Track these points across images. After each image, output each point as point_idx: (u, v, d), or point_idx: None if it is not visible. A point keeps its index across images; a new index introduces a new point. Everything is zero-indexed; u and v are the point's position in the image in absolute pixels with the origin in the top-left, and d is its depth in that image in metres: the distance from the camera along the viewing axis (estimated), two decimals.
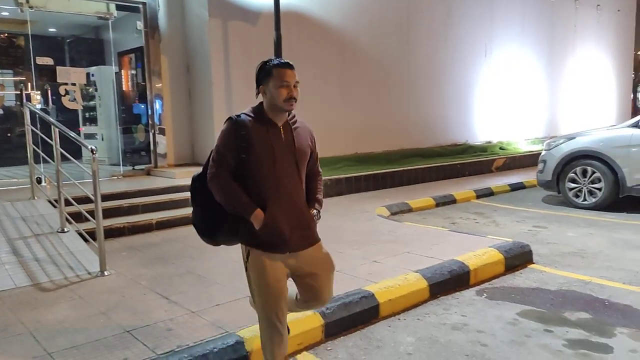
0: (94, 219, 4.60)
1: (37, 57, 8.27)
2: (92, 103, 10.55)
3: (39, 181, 6.81)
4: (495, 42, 13.34)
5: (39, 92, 8.72)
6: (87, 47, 11.65)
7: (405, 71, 11.38)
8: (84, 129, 10.49)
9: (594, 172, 7.37)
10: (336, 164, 9.37)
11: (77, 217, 5.36)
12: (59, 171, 5.38)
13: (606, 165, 7.23)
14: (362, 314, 3.60)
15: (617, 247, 5.48)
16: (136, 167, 9.06)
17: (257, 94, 2.43)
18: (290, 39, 8.81)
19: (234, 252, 5.14)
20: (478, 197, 8.77)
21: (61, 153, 5.35)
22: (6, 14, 9.48)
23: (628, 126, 7.30)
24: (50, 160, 5.74)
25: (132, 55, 9.38)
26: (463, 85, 12.66)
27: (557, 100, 15.57)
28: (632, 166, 7.01)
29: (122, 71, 9.80)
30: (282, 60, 2.39)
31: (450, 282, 4.25)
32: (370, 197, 8.44)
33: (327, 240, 2.64)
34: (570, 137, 7.93)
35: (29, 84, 8.53)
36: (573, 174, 7.59)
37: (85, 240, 5.16)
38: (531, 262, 4.97)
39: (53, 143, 5.36)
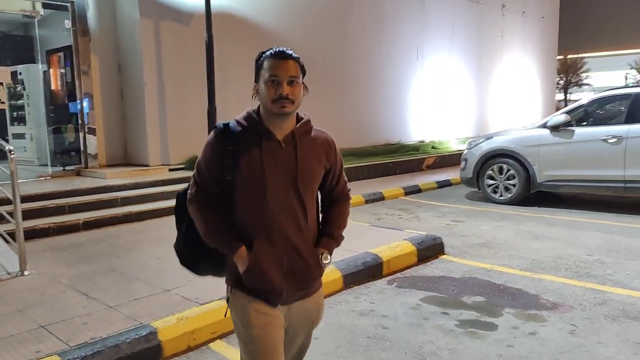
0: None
1: None
2: (20, 102, 10.26)
3: None
4: (426, 46, 13.93)
5: None
6: (14, 44, 11.30)
7: (340, 72, 11.73)
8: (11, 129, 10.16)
9: (509, 170, 7.91)
10: None
11: None
12: None
13: (519, 163, 7.78)
14: None
15: (521, 237, 5.96)
16: (67, 168, 8.92)
17: (253, 95, 1.87)
18: (224, 40, 8.92)
19: (160, 250, 5.28)
20: (406, 194, 9.18)
21: None
22: None
23: (538, 127, 7.86)
24: None
25: (61, 54, 9.19)
26: (396, 86, 13.16)
27: (486, 101, 16.42)
28: (542, 164, 7.58)
29: (51, 70, 9.58)
30: (277, 49, 1.80)
31: (364, 272, 4.54)
32: None
33: None
34: (489, 137, 8.46)
35: None
36: (491, 171, 8.11)
37: (7, 241, 5.12)
38: (442, 253, 5.34)
39: None
